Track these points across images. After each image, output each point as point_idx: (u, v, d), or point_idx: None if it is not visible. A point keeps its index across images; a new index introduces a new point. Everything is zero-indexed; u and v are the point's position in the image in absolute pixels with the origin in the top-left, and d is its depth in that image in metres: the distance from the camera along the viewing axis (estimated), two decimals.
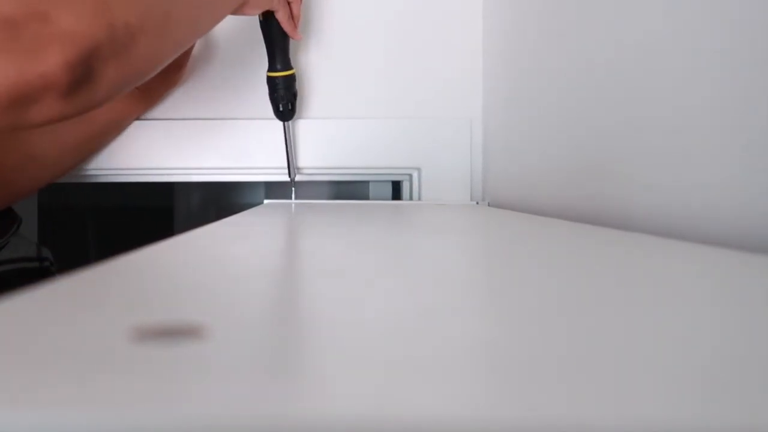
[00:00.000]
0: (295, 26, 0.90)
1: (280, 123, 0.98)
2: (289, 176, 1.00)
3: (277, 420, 0.12)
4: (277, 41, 0.92)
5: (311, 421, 0.12)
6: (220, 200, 1.74)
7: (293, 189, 1.01)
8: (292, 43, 0.94)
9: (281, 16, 0.88)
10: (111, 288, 0.24)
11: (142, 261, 0.30)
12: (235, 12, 0.75)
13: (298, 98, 0.98)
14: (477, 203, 0.99)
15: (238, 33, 1.01)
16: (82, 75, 0.44)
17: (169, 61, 0.58)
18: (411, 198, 1.03)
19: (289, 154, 0.98)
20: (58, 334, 0.17)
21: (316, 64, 1.03)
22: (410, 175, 1.03)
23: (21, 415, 0.12)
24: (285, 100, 0.95)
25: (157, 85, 0.95)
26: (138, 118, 0.99)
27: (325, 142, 1.01)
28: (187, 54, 0.95)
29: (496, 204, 0.96)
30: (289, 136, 0.98)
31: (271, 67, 0.94)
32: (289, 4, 0.88)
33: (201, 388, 0.13)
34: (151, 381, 0.13)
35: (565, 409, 0.12)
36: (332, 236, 0.49)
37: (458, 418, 0.12)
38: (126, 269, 0.28)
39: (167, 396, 0.13)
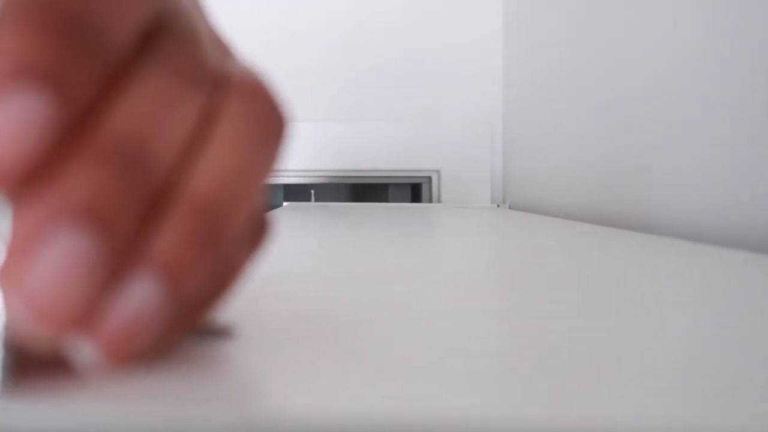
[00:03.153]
0: None
1: (305, 125, 0.98)
2: None
3: (300, 419, 0.12)
4: None
5: (337, 420, 0.12)
6: None
7: (313, 192, 1.01)
8: (309, 43, 0.94)
9: None
10: None
11: None
12: None
13: (318, 100, 0.98)
14: (498, 206, 0.99)
15: (259, 36, 1.02)
16: None
17: None
18: (431, 200, 1.03)
19: None
20: None
21: (335, 66, 1.04)
22: (430, 178, 1.03)
23: (67, 409, 0.12)
24: None
25: None
26: None
27: (345, 145, 1.01)
28: None
29: (516, 206, 0.96)
30: None
31: None
32: None
33: (228, 385, 0.13)
34: (182, 379, 0.14)
35: (589, 411, 0.12)
36: (354, 238, 0.49)
37: (484, 418, 0.12)
38: None
39: (197, 394, 0.13)
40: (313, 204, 0.99)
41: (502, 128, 1.03)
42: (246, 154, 0.15)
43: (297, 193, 1.15)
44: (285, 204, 0.98)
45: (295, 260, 0.36)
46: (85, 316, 0.13)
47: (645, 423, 0.12)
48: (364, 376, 0.14)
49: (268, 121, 0.16)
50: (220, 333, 0.17)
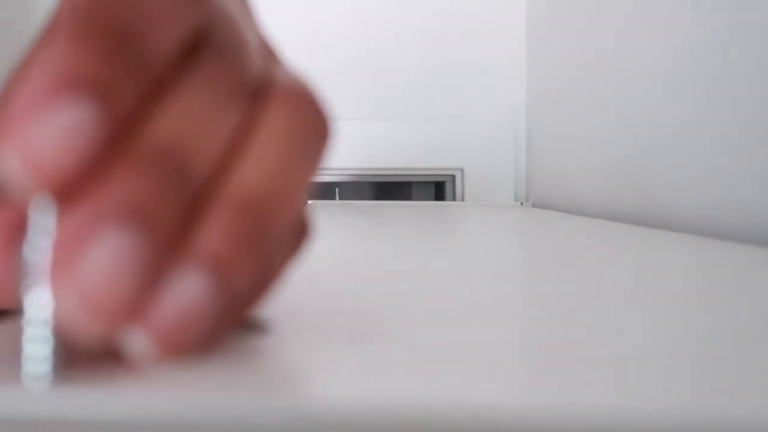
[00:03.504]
0: None
1: None
2: None
3: (333, 410, 0.12)
4: None
5: (368, 411, 0.12)
6: None
7: (337, 190, 1.02)
8: (336, 44, 0.94)
9: None
10: None
11: None
12: None
13: (344, 99, 0.98)
14: (521, 204, 0.98)
15: (291, 37, 1.03)
16: None
17: None
18: (454, 199, 1.03)
19: None
20: None
21: (359, 64, 1.04)
22: (453, 176, 1.03)
23: (116, 398, 0.13)
24: None
25: None
26: None
27: (368, 143, 1.02)
28: None
29: (539, 204, 0.95)
30: None
31: None
32: None
33: (270, 375, 0.14)
34: (227, 369, 0.14)
35: (617, 402, 0.12)
36: (379, 236, 0.49)
37: (514, 409, 0.12)
38: None
39: (241, 383, 0.13)
40: (337, 202, 1.00)
41: (525, 127, 1.03)
42: (290, 156, 0.16)
43: (321, 191, 1.15)
44: (309, 202, 0.99)
45: (321, 258, 0.37)
46: (135, 308, 0.14)
47: (669, 415, 0.12)
48: (398, 368, 0.15)
49: (311, 124, 0.17)
50: (258, 327, 0.17)
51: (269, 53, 0.19)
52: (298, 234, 0.18)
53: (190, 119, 0.15)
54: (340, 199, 1.02)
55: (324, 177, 1.02)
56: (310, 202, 0.19)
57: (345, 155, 1.02)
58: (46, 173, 0.13)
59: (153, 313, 0.14)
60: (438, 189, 1.16)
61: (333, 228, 0.58)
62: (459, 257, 0.37)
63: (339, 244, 0.46)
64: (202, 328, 0.14)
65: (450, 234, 0.53)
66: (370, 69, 1.04)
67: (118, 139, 0.14)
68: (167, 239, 0.14)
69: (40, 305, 0.13)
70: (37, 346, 0.13)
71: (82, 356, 0.14)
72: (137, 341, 0.14)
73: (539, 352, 0.17)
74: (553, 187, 0.91)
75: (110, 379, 0.14)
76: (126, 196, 0.13)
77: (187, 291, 0.14)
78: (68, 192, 0.13)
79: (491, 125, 1.02)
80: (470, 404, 0.12)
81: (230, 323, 0.16)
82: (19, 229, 0.14)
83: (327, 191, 1.04)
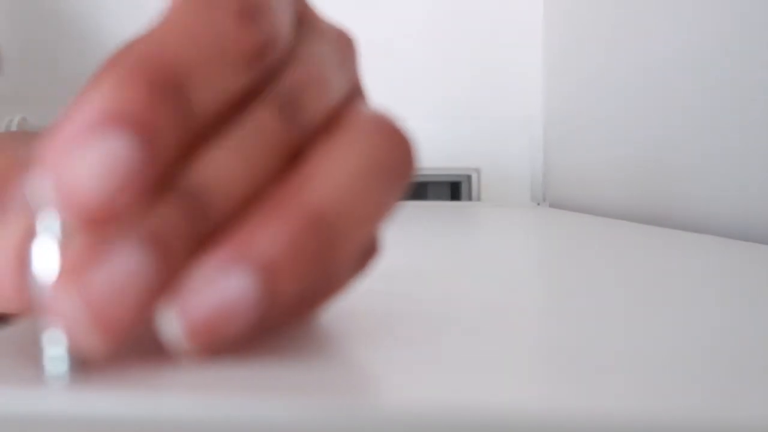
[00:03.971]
0: None
1: None
2: None
3: (352, 414, 0.12)
4: None
5: (388, 415, 0.12)
6: None
7: None
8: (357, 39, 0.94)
9: None
10: None
11: None
12: None
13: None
14: (538, 204, 0.98)
15: None
16: None
17: None
18: (470, 199, 1.02)
19: None
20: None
21: (375, 63, 1.04)
22: (469, 176, 1.03)
23: (140, 399, 0.13)
24: None
25: None
26: None
27: None
28: None
29: (557, 205, 0.95)
30: None
31: None
32: None
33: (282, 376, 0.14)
34: (259, 368, 0.14)
35: (639, 407, 0.12)
36: (394, 236, 0.49)
37: (531, 413, 0.12)
38: None
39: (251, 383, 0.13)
40: None
41: (542, 126, 1.02)
42: (364, 180, 0.16)
43: None
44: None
45: None
46: (140, 320, 0.14)
47: (694, 418, 0.12)
48: (418, 371, 0.14)
49: (392, 153, 0.17)
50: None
51: (358, 92, 0.19)
52: (365, 254, 0.18)
53: (224, 171, 0.15)
54: None
55: None
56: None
57: None
58: (77, 203, 0.13)
59: (189, 302, 0.14)
60: (454, 189, 1.15)
61: None
62: (476, 258, 0.37)
63: None
64: (239, 331, 0.14)
65: (466, 234, 0.53)
66: (385, 68, 1.04)
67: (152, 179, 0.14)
68: (176, 264, 0.14)
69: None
70: (55, 346, 0.13)
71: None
72: (171, 328, 0.14)
73: (563, 356, 0.16)
74: (570, 187, 0.90)
75: (146, 380, 0.14)
76: (143, 222, 0.14)
77: (229, 287, 0.14)
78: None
79: (508, 125, 1.01)
80: (496, 408, 0.12)
81: (275, 328, 0.16)
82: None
83: None
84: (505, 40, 1.03)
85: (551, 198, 0.98)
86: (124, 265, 0.13)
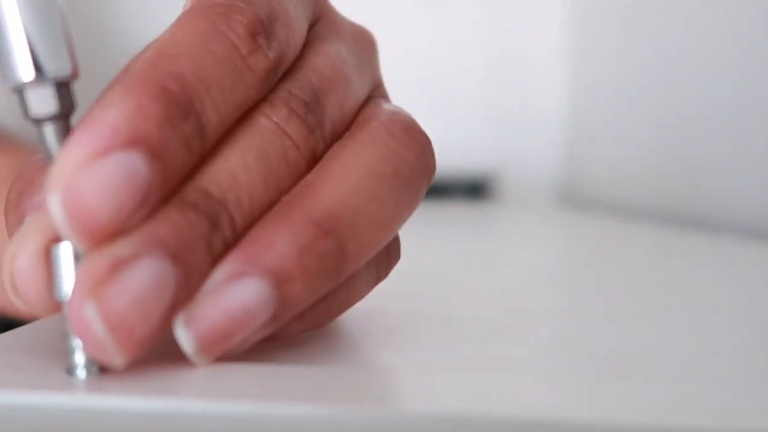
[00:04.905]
0: None
1: None
2: None
3: (371, 416, 0.12)
4: None
5: (407, 418, 0.12)
6: None
7: None
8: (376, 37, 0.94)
9: None
10: None
11: None
12: None
13: None
14: (561, 204, 0.97)
15: None
16: None
17: None
18: (492, 199, 1.02)
19: None
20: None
21: (392, 63, 1.04)
22: (491, 176, 1.02)
23: (144, 401, 0.13)
24: None
25: None
26: None
27: None
28: None
29: (581, 205, 0.94)
30: None
31: None
32: None
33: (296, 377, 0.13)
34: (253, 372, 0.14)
35: (656, 412, 0.12)
36: (413, 238, 0.49)
37: (550, 418, 0.12)
38: None
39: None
40: None
41: (565, 125, 1.01)
42: (376, 185, 0.15)
43: None
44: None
45: None
46: (159, 331, 0.14)
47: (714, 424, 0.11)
48: (439, 373, 0.14)
49: (408, 158, 0.16)
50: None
51: (378, 91, 0.19)
52: (384, 259, 0.17)
53: (242, 182, 0.15)
54: None
55: None
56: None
57: None
58: (85, 223, 0.13)
59: (200, 312, 0.14)
60: (475, 190, 1.15)
61: None
62: (497, 260, 0.37)
63: None
64: (251, 337, 0.14)
65: (487, 236, 0.53)
66: (406, 67, 1.03)
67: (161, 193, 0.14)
68: (197, 275, 0.14)
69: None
70: (79, 354, 0.14)
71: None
72: (184, 338, 0.14)
73: (584, 361, 0.16)
74: (594, 186, 0.90)
75: (162, 380, 0.14)
76: (156, 232, 0.14)
77: (239, 295, 0.14)
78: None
79: (530, 124, 1.00)
80: (513, 413, 0.12)
81: (292, 334, 0.16)
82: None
83: None
84: (529, 38, 1.02)
85: (575, 199, 0.97)
86: (145, 278, 0.13)
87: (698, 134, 0.61)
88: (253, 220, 0.15)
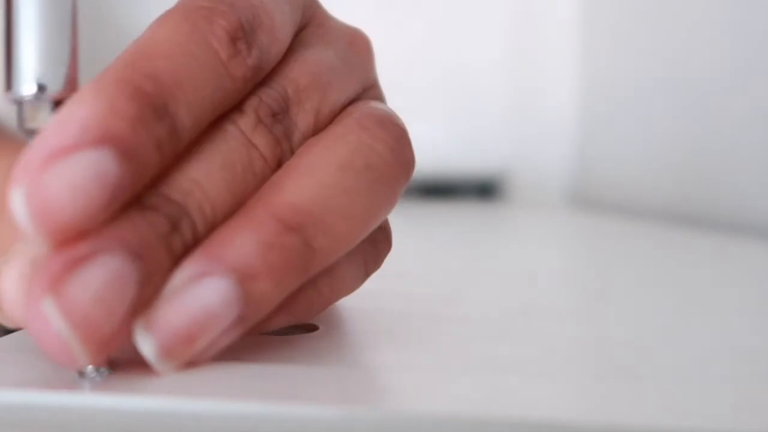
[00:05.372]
0: None
1: None
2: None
3: (377, 416, 0.12)
4: None
5: (415, 417, 0.12)
6: None
7: None
8: (379, 41, 0.94)
9: None
10: None
11: None
12: None
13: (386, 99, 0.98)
14: (572, 204, 0.97)
15: None
16: None
17: None
18: (501, 199, 1.02)
19: None
20: None
21: (403, 64, 1.03)
22: (500, 176, 1.02)
23: (142, 399, 0.13)
24: None
25: None
26: None
27: (413, 144, 1.01)
28: None
29: (592, 205, 0.93)
30: None
31: None
32: None
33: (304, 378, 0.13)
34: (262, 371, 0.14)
35: (666, 413, 0.12)
36: (424, 238, 0.49)
37: (559, 419, 0.12)
38: None
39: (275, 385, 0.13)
40: None
41: (577, 124, 1.01)
42: (344, 182, 0.15)
43: None
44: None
45: None
46: (122, 330, 0.13)
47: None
48: (447, 373, 0.14)
49: (383, 155, 0.16)
50: (304, 328, 0.17)
51: (371, 93, 0.18)
52: (369, 253, 0.17)
53: (207, 187, 0.15)
54: None
55: None
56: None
57: None
58: (49, 221, 0.13)
59: (161, 315, 0.13)
60: (485, 190, 1.15)
61: None
62: (506, 260, 0.37)
63: None
64: (218, 338, 0.14)
65: (496, 236, 0.53)
66: (416, 67, 1.03)
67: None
68: (159, 274, 0.14)
69: None
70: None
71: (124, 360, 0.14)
72: (146, 344, 0.13)
73: (598, 363, 0.16)
74: (605, 186, 0.89)
75: (157, 381, 0.13)
76: (116, 231, 0.13)
77: (202, 294, 0.13)
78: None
79: (541, 122, 1.00)
80: (517, 414, 0.12)
81: (275, 328, 0.15)
82: None
83: None
84: (540, 37, 1.02)
85: (586, 198, 0.96)
86: (105, 274, 0.13)
87: (709, 135, 0.60)
88: (215, 227, 0.15)
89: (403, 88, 1.07)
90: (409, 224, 0.61)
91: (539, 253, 0.41)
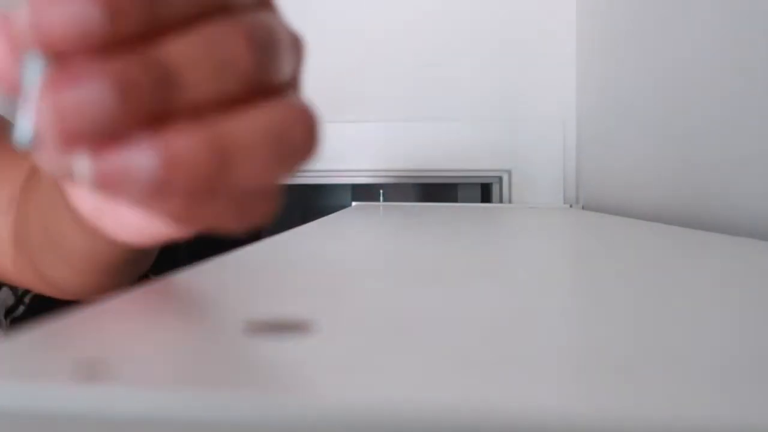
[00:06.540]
0: None
1: (374, 125, 0.98)
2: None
3: (375, 413, 0.12)
4: None
5: (410, 416, 0.12)
6: (304, 203, 1.77)
7: (381, 192, 1.02)
8: (379, 42, 0.94)
9: None
10: (224, 284, 0.25)
11: (248, 259, 0.31)
12: None
13: (388, 99, 0.98)
14: (570, 206, 0.97)
15: (331, 34, 1.03)
16: None
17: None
18: (501, 201, 1.02)
19: None
20: (178, 325, 0.18)
21: (405, 65, 1.04)
22: (500, 178, 1.02)
23: (144, 393, 0.13)
24: None
25: None
26: None
27: (414, 145, 1.01)
28: None
29: (590, 206, 0.93)
30: None
31: None
32: None
33: (305, 378, 0.13)
34: (261, 369, 0.14)
35: (663, 411, 0.12)
36: (424, 238, 0.49)
37: (556, 416, 0.12)
38: (236, 265, 0.29)
39: (273, 383, 0.13)
40: (381, 204, 1.00)
41: (575, 127, 1.01)
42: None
43: (366, 193, 1.15)
44: (354, 204, 0.99)
45: (370, 259, 0.36)
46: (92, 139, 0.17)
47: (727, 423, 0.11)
48: (445, 373, 0.14)
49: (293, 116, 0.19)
50: (297, 328, 0.17)
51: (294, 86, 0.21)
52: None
53: (189, 54, 0.17)
54: (385, 201, 1.01)
55: (368, 179, 1.02)
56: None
57: (390, 156, 1.02)
58: (47, 38, 0.16)
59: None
60: (485, 191, 1.15)
61: (377, 230, 0.58)
62: (506, 260, 0.37)
63: (382, 245, 0.46)
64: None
65: (498, 237, 0.53)
66: (417, 70, 1.03)
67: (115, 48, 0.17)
68: (142, 112, 0.17)
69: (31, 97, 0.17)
70: (24, 120, 0.17)
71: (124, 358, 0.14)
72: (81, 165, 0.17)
73: (600, 362, 0.16)
74: (603, 189, 0.89)
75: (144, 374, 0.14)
76: (112, 68, 0.16)
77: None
78: (62, 56, 0.16)
79: (540, 127, 1.00)
80: (521, 414, 0.12)
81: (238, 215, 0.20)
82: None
83: (371, 193, 1.03)
84: (538, 42, 1.02)
85: (584, 200, 0.97)
86: (90, 92, 0.16)
87: (705, 138, 0.60)
88: (195, 98, 0.17)
89: (409, 90, 1.07)
90: (412, 224, 0.61)
91: (538, 253, 0.41)
